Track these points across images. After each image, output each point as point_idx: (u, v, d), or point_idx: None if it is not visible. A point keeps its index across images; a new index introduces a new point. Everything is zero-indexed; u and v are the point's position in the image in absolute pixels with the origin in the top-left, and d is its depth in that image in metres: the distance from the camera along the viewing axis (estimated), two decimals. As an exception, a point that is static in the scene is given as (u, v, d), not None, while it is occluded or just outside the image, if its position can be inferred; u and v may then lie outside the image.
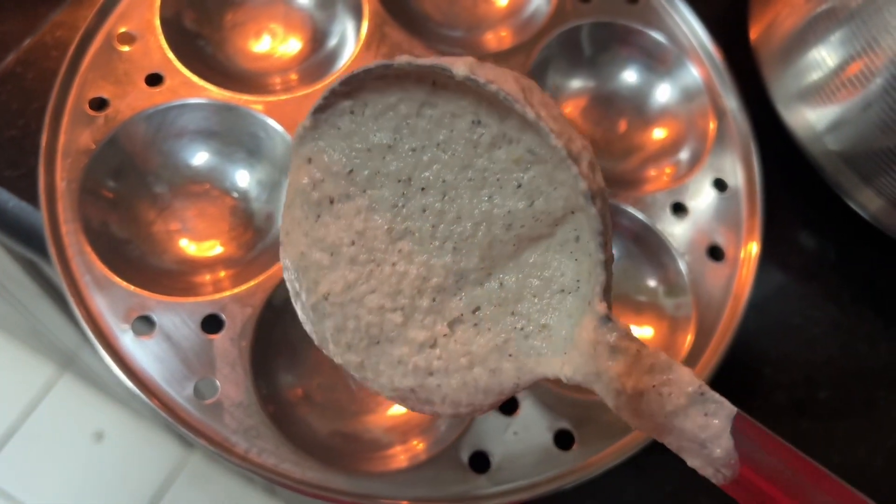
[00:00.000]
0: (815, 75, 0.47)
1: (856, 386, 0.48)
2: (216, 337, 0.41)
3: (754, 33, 0.52)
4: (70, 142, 0.44)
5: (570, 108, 0.52)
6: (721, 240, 0.47)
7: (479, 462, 0.40)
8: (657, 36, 0.52)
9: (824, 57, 0.46)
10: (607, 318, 0.27)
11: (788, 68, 0.49)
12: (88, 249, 0.41)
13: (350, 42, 0.50)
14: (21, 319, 1.10)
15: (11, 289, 0.89)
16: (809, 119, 0.48)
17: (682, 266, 0.46)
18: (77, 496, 1.35)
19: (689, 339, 0.44)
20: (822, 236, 0.52)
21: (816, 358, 0.48)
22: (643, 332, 0.46)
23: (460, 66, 0.27)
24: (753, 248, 0.47)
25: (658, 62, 0.52)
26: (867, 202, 0.48)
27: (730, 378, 0.46)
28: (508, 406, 0.41)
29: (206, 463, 1.34)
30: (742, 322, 0.45)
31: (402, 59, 0.27)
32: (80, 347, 1.08)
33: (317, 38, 0.51)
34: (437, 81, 0.28)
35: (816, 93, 0.47)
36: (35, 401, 1.44)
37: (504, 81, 0.27)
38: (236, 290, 0.42)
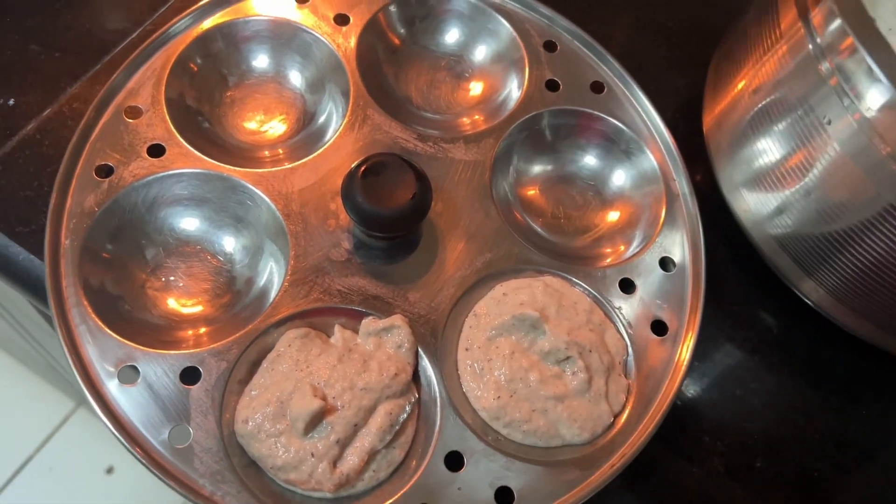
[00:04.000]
0: (758, 164, 0.51)
1: (791, 456, 0.51)
2: (193, 387, 0.45)
3: (706, 124, 0.57)
4: (76, 204, 0.49)
5: (533, 189, 0.56)
6: (665, 315, 0.51)
7: (424, 513, 0.44)
8: (617, 123, 0.56)
9: (766, 148, 0.50)
10: None
11: (734, 156, 0.53)
12: (85, 303, 0.46)
13: (334, 122, 0.55)
14: (38, 356, 1.16)
15: (29, 327, 0.95)
16: (751, 205, 0.52)
17: (627, 338, 0.50)
18: (86, 529, 1.38)
19: (628, 407, 0.48)
20: (767, 313, 0.55)
21: (754, 428, 0.51)
22: (589, 398, 0.50)
23: None
24: (694, 325, 0.50)
25: (617, 147, 0.57)
26: (810, 292, 0.52)
27: (669, 443, 0.50)
28: (454, 462, 0.45)
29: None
30: (681, 392, 0.48)
31: None
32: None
33: (305, 118, 0.56)
34: None
35: (758, 181, 0.51)
36: (50, 433, 1.48)
37: None
38: (214, 346, 0.46)
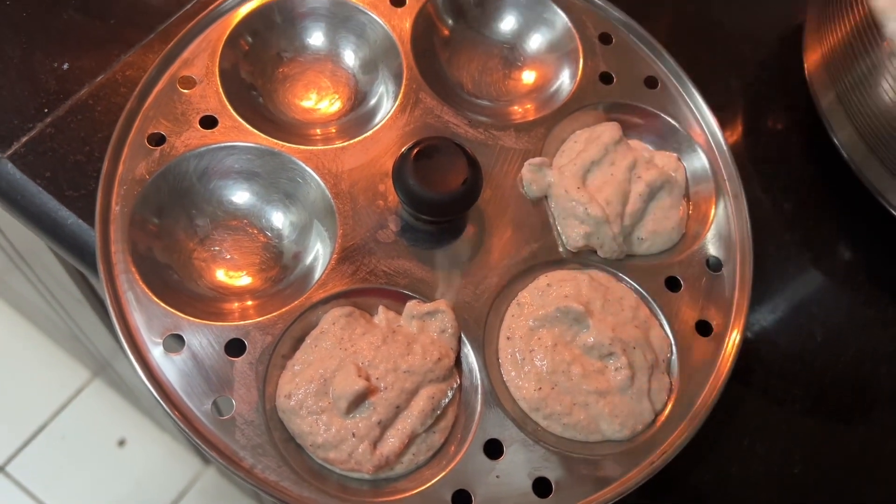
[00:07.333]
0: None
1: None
2: (237, 360, 0.45)
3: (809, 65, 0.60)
4: (127, 171, 0.49)
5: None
6: (710, 316, 0.50)
7: (462, 501, 0.43)
8: (670, 120, 0.56)
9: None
10: None
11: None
12: (133, 269, 0.46)
13: (386, 103, 0.54)
14: (62, 324, 1.16)
15: (58, 295, 0.95)
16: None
17: (671, 337, 0.49)
18: (94, 499, 1.39)
19: (669, 406, 0.48)
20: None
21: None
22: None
23: None
24: (740, 327, 0.50)
25: (668, 145, 0.56)
26: None
27: (709, 450, 0.50)
28: (494, 450, 0.45)
29: (218, 480, 1.38)
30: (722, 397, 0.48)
31: None
32: (114, 356, 1.14)
33: (357, 97, 0.56)
34: None
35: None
36: (64, 402, 1.50)
37: None
38: (260, 319, 0.46)
